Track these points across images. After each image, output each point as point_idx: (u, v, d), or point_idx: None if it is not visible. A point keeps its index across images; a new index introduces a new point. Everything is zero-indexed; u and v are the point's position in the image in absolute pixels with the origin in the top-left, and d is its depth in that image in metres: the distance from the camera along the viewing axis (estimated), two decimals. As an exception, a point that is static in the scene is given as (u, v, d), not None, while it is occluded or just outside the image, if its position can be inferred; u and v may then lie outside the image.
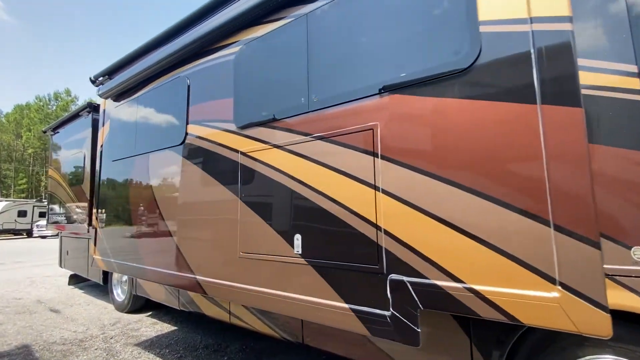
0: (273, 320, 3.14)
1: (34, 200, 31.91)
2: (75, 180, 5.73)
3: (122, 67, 3.78)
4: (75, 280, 7.51)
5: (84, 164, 5.46)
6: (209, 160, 2.78)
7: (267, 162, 2.37)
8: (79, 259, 6.53)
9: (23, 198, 46.05)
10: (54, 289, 7.19)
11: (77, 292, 6.88)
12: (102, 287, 7.13)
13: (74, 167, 5.77)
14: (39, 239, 23.46)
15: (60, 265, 7.41)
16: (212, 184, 2.73)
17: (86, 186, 5.34)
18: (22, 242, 21.28)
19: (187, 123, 2.99)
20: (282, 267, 2.24)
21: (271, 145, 2.36)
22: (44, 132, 6.92)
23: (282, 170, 2.29)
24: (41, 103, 57.37)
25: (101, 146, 4.00)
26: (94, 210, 3.96)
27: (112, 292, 5.76)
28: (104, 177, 3.88)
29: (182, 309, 4.27)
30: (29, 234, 25.41)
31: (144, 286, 4.91)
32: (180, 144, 3.02)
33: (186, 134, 2.98)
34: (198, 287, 2.81)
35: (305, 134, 2.18)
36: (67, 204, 5.86)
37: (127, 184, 3.55)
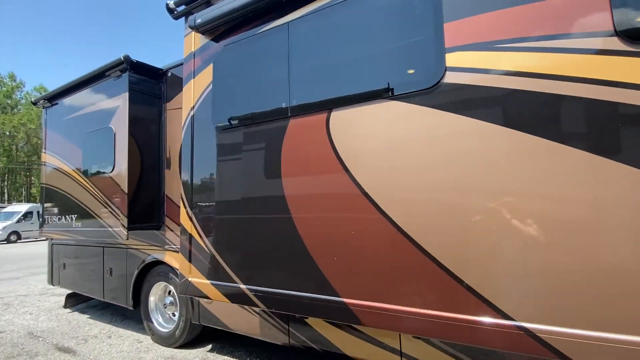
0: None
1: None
2: (97, 167, 4.12)
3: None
4: (74, 301, 5.77)
5: (114, 144, 3.89)
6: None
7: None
8: (90, 274, 4.87)
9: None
10: (44, 315, 5.40)
11: (80, 319, 5.19)
12: (114, 310, 5.48)
13: (95, 149, 4.16)
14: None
15: (51, 282, 5.63)
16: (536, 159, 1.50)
17: (120, 175, 3.79)
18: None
19: (443, 49, 1.76)
20: None
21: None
22: (34, 103, 5.10)
23: None
24: (-25, 88, 49.75)
25: (192, 109, 2.59)
26: (184, 209, 2.55)
27: (150, 320, 4.25)
28: (202, 155, 2.49)
29: (293, 345, 3.00)
30: None
31: (217, 312, 3.52)
32: (432, 87, 1.79)
33: (445, 69, 1.77)
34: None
35: None
36: (82, 200, 4.23)
37: (268, 164, 2.21)
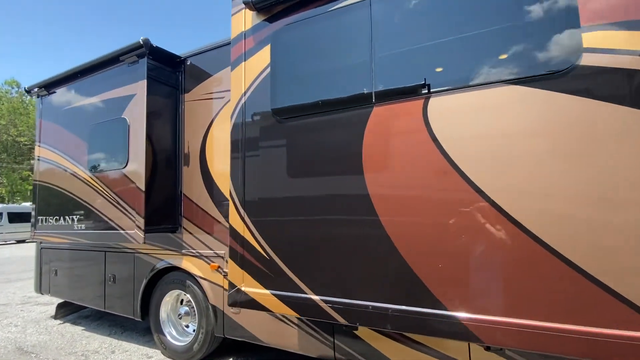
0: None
1: None
2: (106, 162, 3.70)
3: None
4: (65, 311, 5.24)
5: (128, 137, 3.50)
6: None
7: None
8: (88, 281, 4.39)
9: None
10: (31, 327, 4.83)
11: (74, 331, 4.67)
12: (112, 321, 4.99)
13: (104, 142, 3.73)
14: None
15: (39, 290, 5.08)
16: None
17: (135, 171, 3.40)
18: None
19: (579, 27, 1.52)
20: None
21: None
22: (28, 92, 4.58)
23: None
24: None
25: (243, 95, 2.28)
26: (234, 208, 2.21)
27: (161, 333, 3.84)
28: (257, 147, 2.17)
29: (339, 361, 2.73)
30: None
31: (247, 324, 3.19)
32: (566, 70, 1.55)
33: (582, 50, 1.52)
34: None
35: None
36: (86, 199, 3.78)
37: (344, 158, 1.92)
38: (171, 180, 3.73)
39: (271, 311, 2.09)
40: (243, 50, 2.33)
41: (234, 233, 2.16)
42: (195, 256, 3.58)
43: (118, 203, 3.50)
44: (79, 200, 3.84)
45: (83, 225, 3.79)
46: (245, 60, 2.31)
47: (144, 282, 3.88)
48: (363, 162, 1.86)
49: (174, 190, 3.74)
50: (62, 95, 4.18)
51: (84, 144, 3.87)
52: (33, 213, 4.53)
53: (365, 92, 1.91)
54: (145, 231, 3.30)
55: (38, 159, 4.38)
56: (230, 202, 2.21)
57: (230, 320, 3.32)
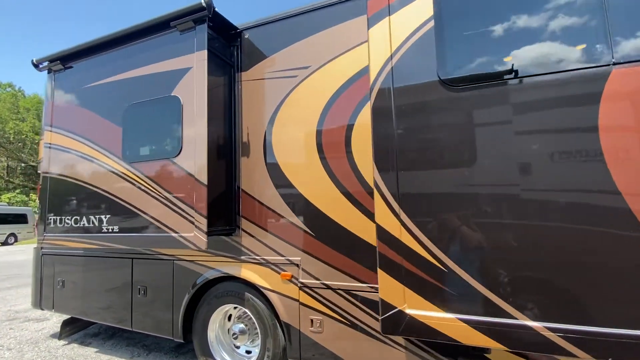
0: None
1: None
2: (149, 149, 3.04)
3: None
4: (72, 328, 4.42)
5: (182, 120, 2.87)
6: None
7: None
8: (109, 294, 3.66)
9: None
10: (30, 350, 3.99)
11: (86, 354, 3.89)
12: (130, 340, 4.25)
13: (147, 126, 3.06)
14: None
15: (38, 305, 4.24)
16: None
17: (193, 161, 2.77)
18: None
19: None
20: None
21: None
22: (36, 65, 3.77)
23: None
24: None
25: (389, 60, 1.76)
26: (383, 202, 1.67)
27: (209, 356, 3.20)
28: (415, 125, 1.65)
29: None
30: None
31: (333, 346, 2.65)
32: None
33: None
34: None
35: None
36: (121, 195, 3.09)
37: (572, 137, 1.44)
38: (225, 174, 3.13)
39: (458, 342, 1.58)
40: (387, 2, 1.82)
41: (385, 236, 1.65)
42: (260, 263, 3.00)
43: (168, 200, 2.86)
44: (110, 196, 3.15)
45: (115, 227, 3.10)
46: (390, 15, 1.80)
47: (188, 294, 3.24)
48: (602, 145, 1.41)
49: (228, 186, 3.14)
50: (84, 69, 3.45)
51: (117, 128, 3.18)
52: (39, 212, 3.74)
53: (598, 50, 1.46)
54: (208, 233, 2.69)
55: (49, 147, 3.61)
56: (377, 195, 1.70)
57: (309, 340, 2.77)
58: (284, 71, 3.06)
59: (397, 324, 1.59)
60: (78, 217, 3.32)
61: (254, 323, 3.21)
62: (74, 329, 4.42)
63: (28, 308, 5.87)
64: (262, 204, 3.05)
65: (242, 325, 3.23)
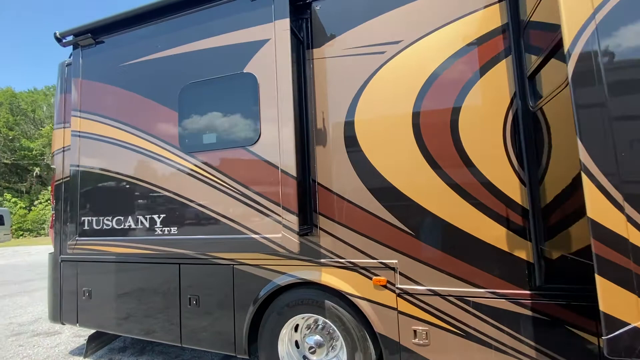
0: None
1: None
2: (215, 137, 2.58)
3: None
4: (97, 344, 3.89)
5: (259, 101, 2.43)
6: None
7: None
8: (150, 305, 3.17)
9: None
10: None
11: (121, 372, 3.40)
12: (162, 353, 3.78)
13: (213, 108, 2.59)
14: None
15: (58, 319, 3.69)
16: None
17: (277, 149, 2.35)
18: None
19: None
20: None
21: None
22: (59, 39, 3.18)
23: None
24: None
25: (592, 17, 1.40)
26: (602, 191, 1.33)
27: (282, 373, 2.80)
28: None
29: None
30: None
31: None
32: None
33: None
34: None
35: None
36: (179, 190, 2.62)
37: None
38: (300, 165, 2.72)
39: None
40: None
41: (604, 234, 1.32)
42: (345, 267, 2.62)
43: (244, 195, 2.42)
44: (164, 192, 2.67)
45: (173, 229, 2.62)
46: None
47: (255, 304, 2.82)
48: None
49: (302, 179, 2.73)
50: (125, 43, 2.91)
51: (171, 112, 2.69)
52: (60, 212, 3.20)
53: None
54: (300, 233, 2.29)
55: (78, 135, 3.06)
56: (586, 182, 1.36)
57: (412, 353, 2.43)
58: (367, 47, 2.67)
59: (632, 345, 1.27)
60: (122, 218, 2.82)
61: (328, 334, 2.85)
62: (99, 345, 3.90)
63: (32, 319, 5.24)
64: (344, 198, 2.66)
65: (318, 337, 2.84)
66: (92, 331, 3.78)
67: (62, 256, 3.67)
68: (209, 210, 2.53)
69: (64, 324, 3.72)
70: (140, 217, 2.74)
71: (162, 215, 2.67)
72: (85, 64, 3.11)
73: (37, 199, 34.71)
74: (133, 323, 3.33)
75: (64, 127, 3.81)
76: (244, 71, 2.49)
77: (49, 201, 33.79)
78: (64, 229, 3.64)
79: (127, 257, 3.28)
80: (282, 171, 2.33)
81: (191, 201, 2.58)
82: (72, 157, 3.06)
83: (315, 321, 2.92)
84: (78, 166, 3.03)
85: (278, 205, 2.33)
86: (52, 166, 3.95)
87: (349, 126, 2.66)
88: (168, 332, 3.16)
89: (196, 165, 2.59)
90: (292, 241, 2.27)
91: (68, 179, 3.63)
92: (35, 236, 31.81)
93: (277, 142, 2.35)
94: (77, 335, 4.48)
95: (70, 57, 4.03)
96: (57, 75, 3.98)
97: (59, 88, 3.92)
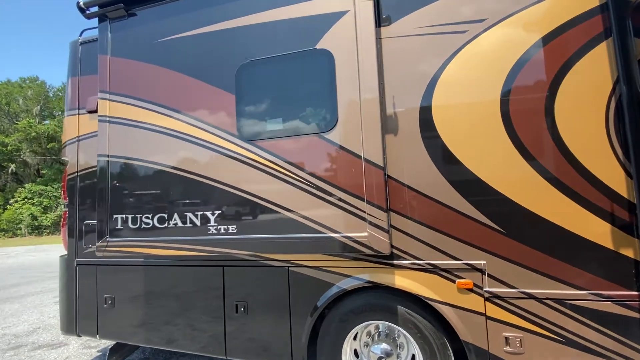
0: None
1: None
2: (283, 124, 2.26)
3: None
4: (117, 357, 3.48)
5: (335, 82, 2.13)
6: None
7: None
8: (185, 313, 2.82)
9: None
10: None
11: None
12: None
13: (278, 90, 2.27)
14: None
15: (73, 330, 3.27)
16: None
17: (359, 138, 2.06)
18: None
19: None
20: None
21: None
22: (83, 10, 2.73)
23: None
24: None
25: None
26: None
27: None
28: None
29: None
30: None
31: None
32: None
33: None
34: None
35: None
36: (238, 185, 2.29)
37: None
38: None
39: None
40: None
41: None
42: (422, 269, 2.37)
43: (317, 188, 2.12)
44: (219, 185, 2.32)
45: (232, 227, 2.29)
46: None
47: (316, 310, 2.53)
48: None
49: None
50: (165, 15, 2.54)
51: (225, 94, 2.35)
52: (88, 211, 2.79)
53: None
54: (390, 232, 2.02)
55: (107, 121, 2.66)
56: None
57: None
58: (446, 25, 2.42)
59: None
60: (165, 215, 2.45)
61: (393, 341, 2.60)
62: (119, 358, 3.49)
63: (29, 329, 4.72)
64: (419, 193, 2.40)
65: (385, 345, 2.58)
66: (101, 342, 3.38)
67: (78, 259, 3.25)
68: (275, 205, 2.21)
69: (79, 336, 3.30)
70: (190, 214, 2.39)
71: (217, 212, 2.33)
72: (115, 39, 2.71)
73: (13, 197, 32.73)
74: (164, 334, 2.96)
75: (78, 114, 3.38)
76: (317, 47, 2.18)
77: (26, 200, 31.95)
78: (80, 228, 3.22)
79: (159, 260, 2.92)
80: (366, 160, 2.05)
81: (253, 196, 2.26)
82: (101, 146, 2.66)
83: (376, 327, 2.66)
84: (108, 156, 2.63)
85: (361, 199, 2.06)
86: (63, 158, 3.50)
87: (426, 112, 2.40)
88: (208, 343, 2.81)
89: (258, 155, 2.26)
90: (382, 240, 2.01)
91: (86, 171, 3.22)
92: (11, 237, 30.01)
93: (358, 128, 2.07)
94: (86, 346, 4.04)
95: (80, 36, 3.62)
96: (69, 55, 3.53)
97: (71, 70, 3.48)
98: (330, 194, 2.12)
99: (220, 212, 2.33)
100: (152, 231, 2.48)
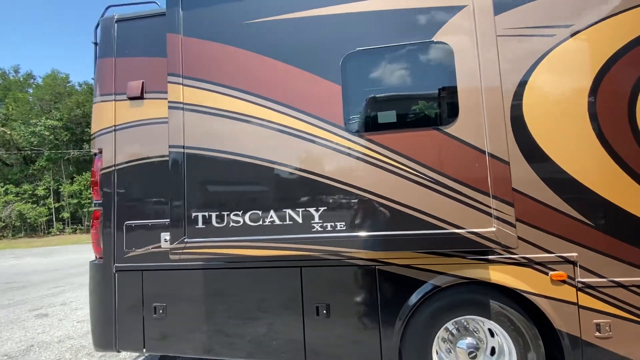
0: None
1: None
2: (398, 117, 2.16)
3: None
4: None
5: (455, 75, 2.09)
6: None
7: None
8: (257, 318, 2.61)
9: None
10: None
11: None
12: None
13: (392, 82, 2.16)
14: None
15: (112, 346, 2.87)
16: None
17: (482, 132, 2.05)
18: None
19: None
20: None
21: None
22: None
23: None
24: None
25: None
26: None
27: (439, 384, 2.51)
28: None
29: None
30: None
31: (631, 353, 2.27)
32: None
33: None
34: None
35: None
36: (345, 180, 2.15)
37: None
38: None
39: None
40: None
41: None
42: (517, 263, 2.43)
43: (436, 182, 2.08)
44: (323, 180, 2.17)
45: (340, 225, 2.15)
46: None
47: (408, 310, 2.48)
48: None
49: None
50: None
51: (329, 84, 2.20)
52: (174, 207, 2.46)
53: None
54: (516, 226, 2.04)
55: (181, 108, 2.36)
56: None
57: (594, 347, 2.34)
58: (533, 29, 2.52)
59: None
60: (259, 212, 2.23)
61: (476, 334, 2.64)
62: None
63: (20, 349, 4.03)
64: (516, 191, 2.47)
65: (470, 340, 2.61)
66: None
67: (117, 265, 2.86)
68: (390, 201, 2.13)
69: (119, 352, 2.90)
70: (289, 211, 2.21)
71: (322, 209, 2.19)
72: (189, 17, 2.42)
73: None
74: (230, 343, 2.71)
75: (114, 100, 3.00)
76: (434, 40, 2.15)
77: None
78: (120, 229, 2.84)
79: (219, 263, 2.68)
80: (491, 155, 2.06)
81: (364, 191, 2.15)
82: (174, 136, 2.35)
83: (459, 323, 2.68)
84: (183, 147, 2.34)
85: (486, 194, 2.06)
86: (93, 150, 3.06)
87: (517, 111, 2.48)
88: (284, 350, 2.63)
89: (368, 148, 2.16)
90: (510, 235, 2.02)
91: (130, 164, 2.87)
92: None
93: (481, 122, 2.07)
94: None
95: (103, 14, 3.24)
96: (99, 33, 3.11)
97: (102, 50, 3.06)
98: (452, 189, 2.09)
99: (324, 208, 2.19)
100: (242, 230, 2.26)
